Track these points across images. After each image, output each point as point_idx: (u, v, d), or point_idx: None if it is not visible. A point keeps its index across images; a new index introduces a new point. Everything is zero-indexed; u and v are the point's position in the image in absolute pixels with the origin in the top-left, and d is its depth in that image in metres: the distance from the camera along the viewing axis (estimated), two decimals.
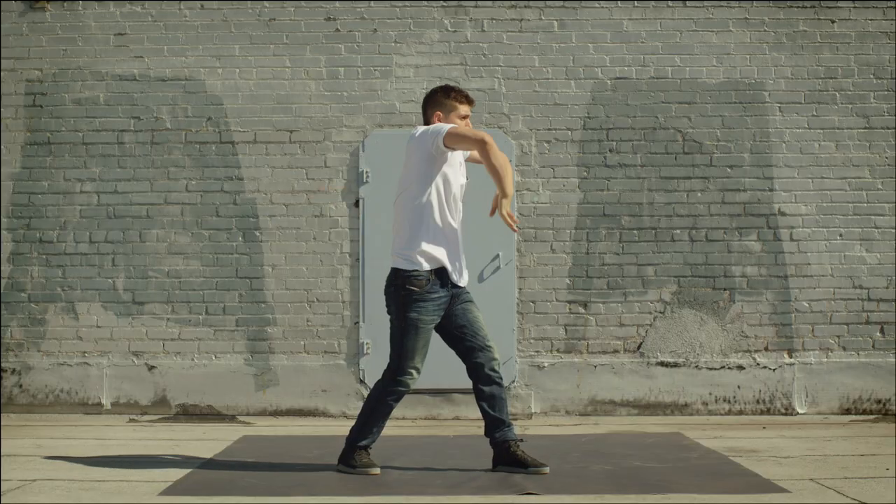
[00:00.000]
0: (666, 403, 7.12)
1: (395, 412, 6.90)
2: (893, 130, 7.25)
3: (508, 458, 4.87)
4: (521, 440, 5.00)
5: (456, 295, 4.87)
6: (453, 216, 4.86)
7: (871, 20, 7.29)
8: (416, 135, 4.84)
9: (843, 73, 7.28)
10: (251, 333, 7.17)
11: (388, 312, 4.91)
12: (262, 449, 5.71)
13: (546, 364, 7.10)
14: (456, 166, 4.89)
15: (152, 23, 7.31)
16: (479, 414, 7.01)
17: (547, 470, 4.82)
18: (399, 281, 4.82)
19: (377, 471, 4.82)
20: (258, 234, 7.22)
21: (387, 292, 4.92)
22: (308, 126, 7.26)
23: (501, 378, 4.93)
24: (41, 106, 7.30)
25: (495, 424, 4.90)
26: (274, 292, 7.19)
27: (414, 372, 4.81)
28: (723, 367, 7.14)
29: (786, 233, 7.21)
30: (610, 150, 7.25)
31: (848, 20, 7.29)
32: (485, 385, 4.90)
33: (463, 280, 4.89)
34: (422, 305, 4.77)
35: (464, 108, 4.94)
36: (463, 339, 4.88)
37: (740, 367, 7.14)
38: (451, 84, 5.10)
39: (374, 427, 4.88)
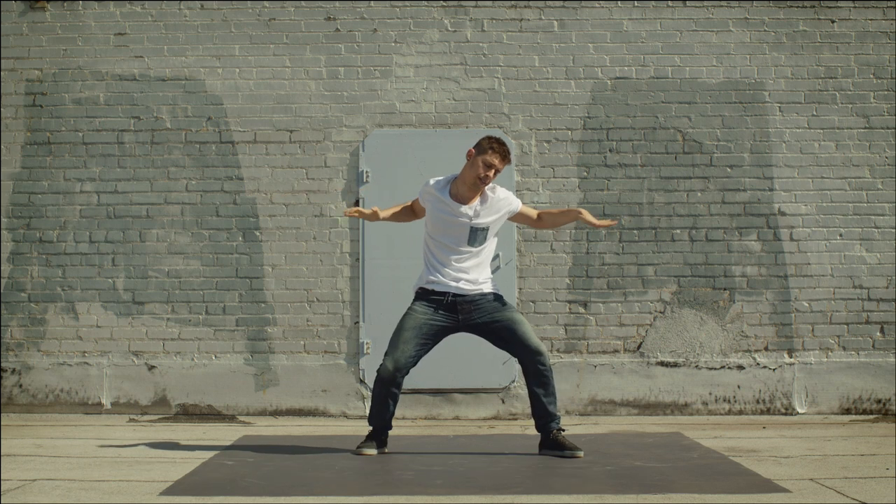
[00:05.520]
0: (666, 403, 7.12)
1: (395, 412, 6.91)
2: (893, 130, 7.25)
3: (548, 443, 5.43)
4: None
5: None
6: None
7: (871, 20, 7.29)
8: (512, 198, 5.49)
9: (843, 73, 7.28)
10: (251, 333, 7.18)
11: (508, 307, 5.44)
12: (262, 449, 5.71)
13: None
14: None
15: (152, 23, 7.31)
16: (478, 413, 7.04)
17: (581, 453, 5.31)
18: None
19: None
20: (258, 234, 7.22)
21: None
22: (308, 126, 7.26)
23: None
24: (41, 106, 7.30)
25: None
26: (274, 292, 7.19)
27: None
28: (723, 367, 7.14)
29: (786, 233, 7.21)
30: (610, 150, 7.25)
31: (848, 20, 7.30)
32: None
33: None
34: None
35: (490, 157, 5.29)
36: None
37: (740, 367, 7.14)
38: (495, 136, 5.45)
39: None
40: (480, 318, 5.35)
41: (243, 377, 7.15)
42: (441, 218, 5.36)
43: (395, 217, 5.63)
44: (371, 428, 5.47)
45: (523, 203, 5.60)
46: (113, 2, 7.33)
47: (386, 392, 5.34)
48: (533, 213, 5.59)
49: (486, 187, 5.37)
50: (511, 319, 5.34)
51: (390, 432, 5.57)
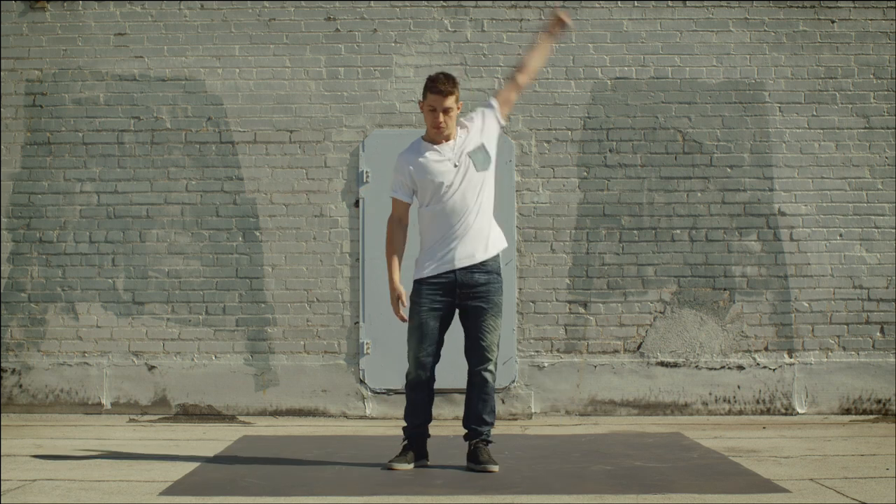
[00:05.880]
0: (666, 403, 7.12)
1: (395, 412, 6.92)
2: (893, 130, 7.25)
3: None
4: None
5: None
6: None
7: (871, 20, 7.29)
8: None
9: (843, 73, 7.28)
10: (251, 333, 7.17)
11: (496, 304, 5.03)
12: (262, 449, 5.71)
13: (546, 364, 7.11)
14: None
15: (152, 23, 7.31)
16: None
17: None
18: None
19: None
20: (258, 234, 7.22)
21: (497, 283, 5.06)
22: (308, 126, 7.26)
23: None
24: (41, 106, 7.30)
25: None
26: (274, 292, 7.19)
27: None
28: (723, 367, 7.14)
29: (786, 233, 7.21)
30: (610, 150, 7.25)
31: (848, 20, 7.29)
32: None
33: None
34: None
35: (431, 99, 4.92)
36: None
37: (740, 367, 7.14)
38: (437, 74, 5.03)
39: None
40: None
41: (243, 377, 7.15)
42: (431, 180, 4.94)
43: (400, 255, 5.19)
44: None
45: (495, 100, 5.15)
46: (113, 2, 7.33)
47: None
48: (508, 91, 5.19)
49: (460, 127, 5.01)
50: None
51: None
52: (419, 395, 5.05)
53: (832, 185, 7.23)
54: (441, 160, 4.97)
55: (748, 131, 7.25)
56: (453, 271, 4.95)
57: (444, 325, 5.05)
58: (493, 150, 5.04)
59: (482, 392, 5.00)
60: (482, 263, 4.97)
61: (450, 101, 4.90)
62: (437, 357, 5.06)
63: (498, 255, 5.07)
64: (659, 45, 7.28)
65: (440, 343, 5.05)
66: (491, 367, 4.99)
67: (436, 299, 4.98)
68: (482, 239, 4.99)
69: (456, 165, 4.96)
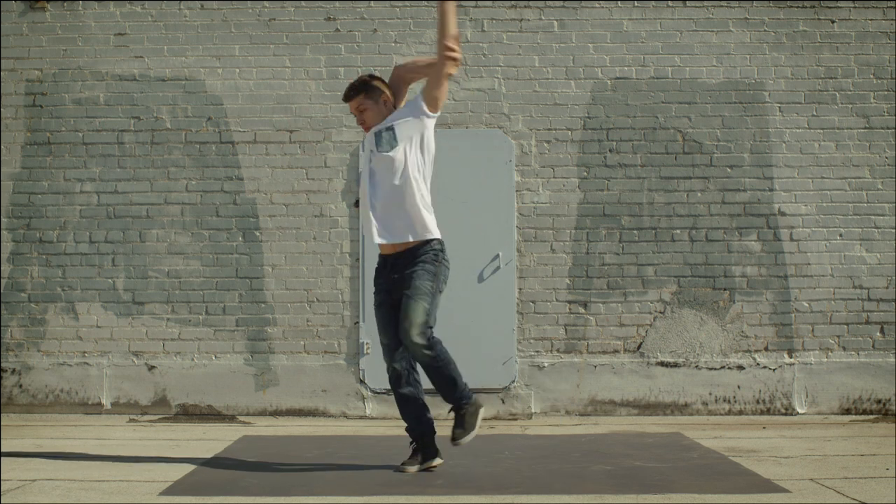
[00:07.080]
0: (666, 403, 7.12)
1: (395, 412, 6.91)
2: (893, 130, 7.25)
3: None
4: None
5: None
6: None
7: (871, 20, 7.29)
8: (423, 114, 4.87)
9: (843, 73, 7.28)
10: (251, 333, 7.17)
11: (425, 281, 4.79)
12: (262, 449, 5.71)
13: (546, 364, 7.10)
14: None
15: (152, 23, 7.31)
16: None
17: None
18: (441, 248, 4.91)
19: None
20: (258, 234, 7.22)
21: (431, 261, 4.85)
22: (308, 126, 7.26)
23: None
24: (41, 106, 7.30)
25: None
26: (274, 292, 7.19)
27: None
28: (723, 367, 7.14)
29: (786, 233, 7.21)
30: (610, 150, 7.25)
31: (848, 20, 7.30)
32: None
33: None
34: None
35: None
36: None
37: (740, 367, 7.14)
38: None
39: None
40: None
41: (243, 377, 7.15)
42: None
43: None
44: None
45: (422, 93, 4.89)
46: (113, 2, 7.33)
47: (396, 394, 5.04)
48: (407, 73, 5.03)
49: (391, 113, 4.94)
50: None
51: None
52: (395, 391, 5.02)
53: (832, 185, 7.23)
54: (367, 142, 4.97)
55: (748, 131, 7.25)
56: (384, 256, 4.91)
57: (394, 308, 4.88)
58: (403, 134, 4.82)
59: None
60: (407, 249, 4.83)
61: (358, 103, 4.93)
62: (396, 342, 4.93)
63: (429, 242, 4.83)
64: (659, 45, 7.28)
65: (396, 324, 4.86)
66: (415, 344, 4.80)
67: (379, 280, 4.97)
68: (404, 222, 4.81)
69: (371, 150, 4.92)
